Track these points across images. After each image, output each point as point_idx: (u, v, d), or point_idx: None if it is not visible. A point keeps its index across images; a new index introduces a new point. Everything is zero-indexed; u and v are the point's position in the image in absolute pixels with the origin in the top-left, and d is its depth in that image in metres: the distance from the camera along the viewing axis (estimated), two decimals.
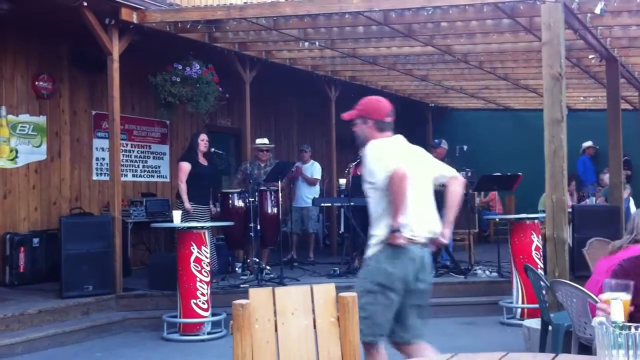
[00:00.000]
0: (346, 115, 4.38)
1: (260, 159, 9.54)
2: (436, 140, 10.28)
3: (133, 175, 10.64)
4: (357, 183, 9.74)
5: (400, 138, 4.31)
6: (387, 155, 4.10)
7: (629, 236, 4.15)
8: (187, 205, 8.59)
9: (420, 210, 4.13)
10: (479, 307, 8.27)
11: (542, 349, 5.30)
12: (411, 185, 4.02)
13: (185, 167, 8.71)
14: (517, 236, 7.95)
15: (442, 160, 9.90)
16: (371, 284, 4.05)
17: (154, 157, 11.03)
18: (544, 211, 7.45)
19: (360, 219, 9.32)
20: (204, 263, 7.19)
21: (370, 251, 4.15)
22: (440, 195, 4.32)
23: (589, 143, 14.73)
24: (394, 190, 3.98)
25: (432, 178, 4.28)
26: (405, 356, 4.14)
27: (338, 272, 9.10)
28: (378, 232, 4.12)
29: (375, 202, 4.15)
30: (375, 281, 4.04)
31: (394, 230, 3.98)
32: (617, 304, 2.16)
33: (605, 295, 2.24)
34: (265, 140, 9.77)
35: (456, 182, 4.29)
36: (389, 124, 4.29)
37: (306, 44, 9.59)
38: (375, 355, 4.11)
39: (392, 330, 4.14)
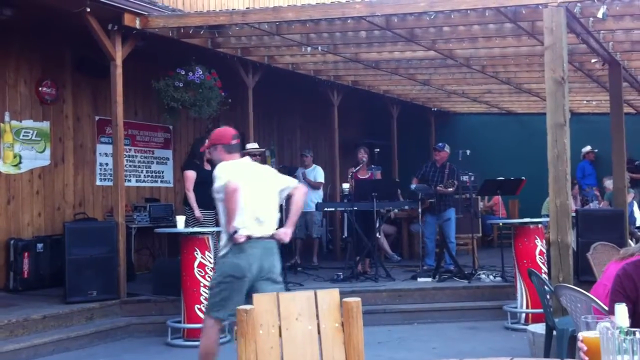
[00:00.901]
0: (203, 148, 5.58)
1: None
2: (440, 144, 10.27)
3: (136, 181, 10.65)
4: (359, 187, 9.76)
5: (245, 159, 5.30)
6: (225, 174, 4.99)
7: None
8: (198, 213, 8.57)
9: (257, 216, 4.98)
10: (483, 312, 8.26)
11: (546, 353, 5.29)
12: (250, 197, 4.93)
13: (192, 175, 8.68)
14: (521, 241, 7.93)
15: (444, 164, 10.00)
16: (222, 276, 4.94)
17: (157, 162, 11.04)
18: (547, 215, 7.43)
19: (364, 223, 9.33)
20: (208, 268, 7.20)
21: (222, 252, 5.02)
22: None
23: (588, 148, 14.60)
24: (226, 201, 4.90)
25: (277, 190, 5.16)
26: None
27: (342, 276, 9.09)
28: (224, 236, 5.00)
29: (221, 212, 5.07)
30: (226, 273, 4.92)
31: (233, 233, 4.87)
32: (621, 308, 2.16)
33: (584, 334, 2.20)
34: (255, 145, 9.71)
35: (298, 192, 5.22)
36: (235, 146, 5.24)
37: (309, 48, 9.59)
38: (213, 330, 5.00)
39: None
